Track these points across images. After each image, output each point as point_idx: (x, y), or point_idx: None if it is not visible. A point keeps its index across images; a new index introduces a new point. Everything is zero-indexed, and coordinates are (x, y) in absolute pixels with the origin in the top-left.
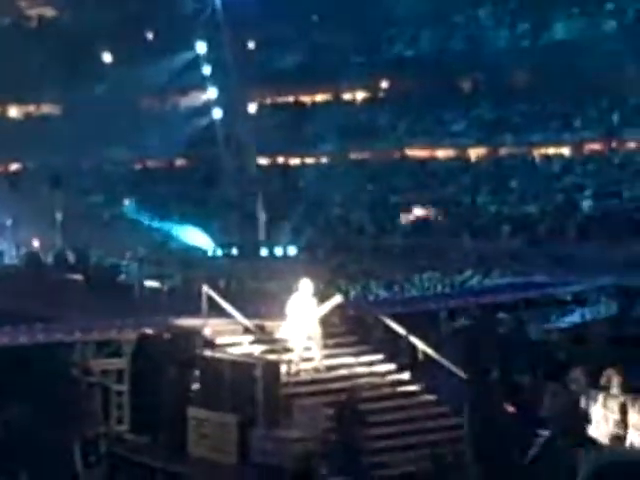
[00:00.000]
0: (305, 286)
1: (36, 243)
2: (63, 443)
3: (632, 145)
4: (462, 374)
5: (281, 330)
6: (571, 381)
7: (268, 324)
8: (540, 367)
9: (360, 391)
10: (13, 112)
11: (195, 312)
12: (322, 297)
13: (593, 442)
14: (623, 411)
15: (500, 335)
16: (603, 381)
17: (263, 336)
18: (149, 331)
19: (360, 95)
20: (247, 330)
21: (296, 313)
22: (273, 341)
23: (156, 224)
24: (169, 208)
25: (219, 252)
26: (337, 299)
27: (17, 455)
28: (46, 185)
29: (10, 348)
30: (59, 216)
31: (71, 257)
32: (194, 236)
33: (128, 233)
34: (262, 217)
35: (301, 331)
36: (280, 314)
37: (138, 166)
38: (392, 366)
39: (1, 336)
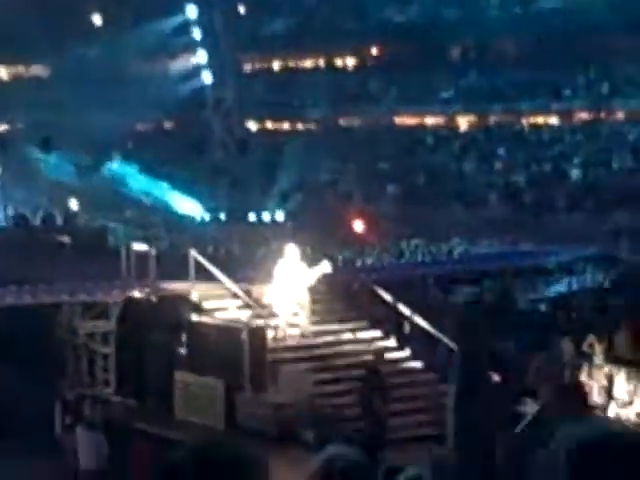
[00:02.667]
0: (292, 251)
1: (24, 205)
2: (45, 404)
3: (621, 115)
4: (448, 342)
5: (268, 295)
6: (559, 351)
7: (255, 289)
8: (526, 336)
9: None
10: (2, 73)
11: (182, 276)
12: (310, 263)
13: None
14: (609, 381)
15: (486, 303)
16: (585, 347)
17: (250, 301)
18: (136, 294)
19: (350, 61)
20: (234, 295)
21: (283, 278)
22: (260, 306)
23: (144, 187)
24: (157, 171)
25: (207, 217)
26: (325, 266)
27: (1, 414)
28: (35, 147)
29: None
30: (47, 177)
31: (59, 219)
32: (182, 200)
33: (116, 196)
34: (251, 182)
35: (288, 296)
36: (267, 279)
37: (126, 128)
38: (378, 333)
39: None
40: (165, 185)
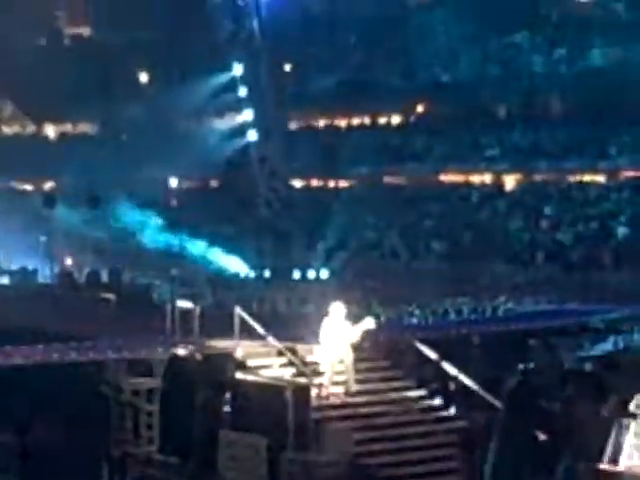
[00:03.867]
0: (337, 309)
1: (69, 261)
2: (91, 461)
3: None
4: (494, 401)
5: (313, 353)
6: (605, 409)
7: (300, 347)
8: (573, 394)
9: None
10: (49, 131)
11: (227, 334)
12: (354, 321)
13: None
14: None
15: (532, 362)
16: (632, 407)
17: (294, 359)
18: (181, 351)
19: (396, 119)
20: (279, 353)
21: (328, 336)
22: (304, 364)
23: (189, 244)
24: (203, 229)
25: (252, 274)
26: (369, 323)
27: (47, 471)
28: (80, 204)
29: (43, 366)
30: (92, 235)
31: (104, 276)
32: (227, 258)
33: (161, 253)
34: (295, 240)
35: (332, 354)
36: (312, 337)
37: (173, 186)
38: (423, 392)
39: (34, 354)
40: (210, 243)
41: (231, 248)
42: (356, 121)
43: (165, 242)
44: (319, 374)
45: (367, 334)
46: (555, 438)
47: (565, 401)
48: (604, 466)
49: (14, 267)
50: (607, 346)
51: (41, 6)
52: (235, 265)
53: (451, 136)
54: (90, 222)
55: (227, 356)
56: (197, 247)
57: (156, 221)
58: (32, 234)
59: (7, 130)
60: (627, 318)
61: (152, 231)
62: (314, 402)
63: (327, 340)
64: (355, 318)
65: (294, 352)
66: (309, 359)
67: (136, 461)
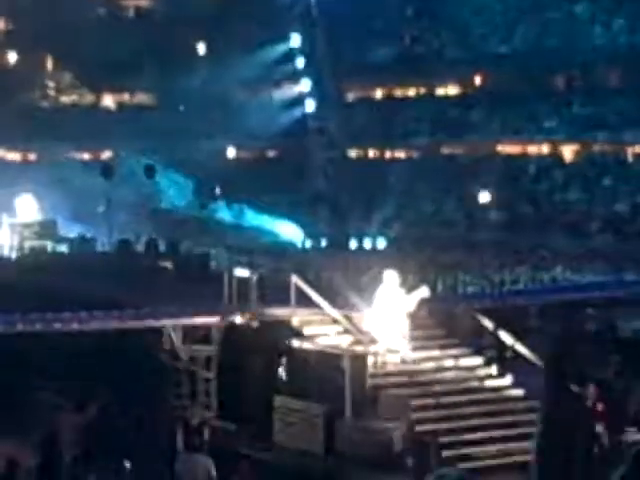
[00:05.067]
0: (392, 278)
1: (128, 231)
2: (159, 428)
3: None
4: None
5: (369, 322)
6: None
7: (356, 315)
8: (630, 366)
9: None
10: (108, 101)
11: (284, 302)
12: (410, 289)
13: None
14: None
15: (590, 333)
16: None
17: (350, 327)
18: (238, 319)
19: (453, 90)
20: (335, 321)
21: (383, 305)
22: (360, 332)
23: (247, 213)
24: (260, 198)
25: (308, 243)
26: (424, 291)
27: (117, 440)
28: (138, 173)
29: (101, 333)
30: (150, 204)
31: (162, 245)
32: (284, 226)
33: (218, 222)
34: (352, 210)
35: (388, 323)
36: (368, 306)
37: (231, 156)
38: (479, 360)
39: (93, 322)
40: (267, 212)
41: (288, 217)
42: (413, 92)
43: (222, 210)
44: (375, 342)
45: (423, 302)
46: (606, 406)
47: (615, 370)
48: None
49: (73, 235)
50: None
51: None
52: (292, 234)
53: (509, 107)
54: (147, 192)
55: (283, 324)
56: (255, 216)
57: (213, 190)
58: (90, 203)
59: (65, 99)
60: None
61: (208, 200)
62: (371, 370)
63: (382, 308)
64: (411, 287)
65: (350, 320)
66: (365, 327)
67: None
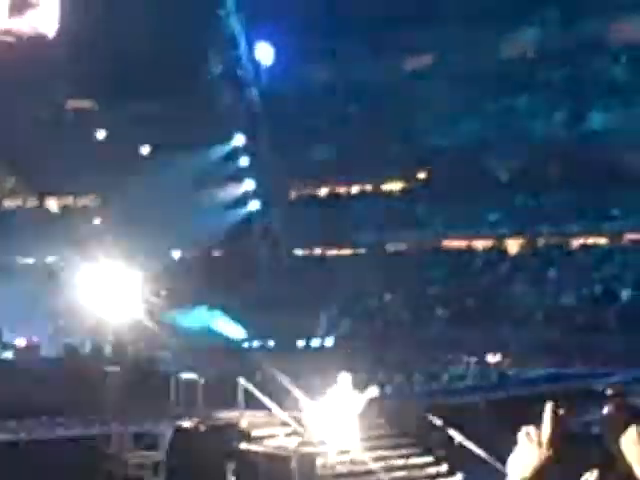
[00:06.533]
0: (343, 379)
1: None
2: None
3: None
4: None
5: (318, 422)
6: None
7: (305, 416)
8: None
9: None
10: (52, 204)
11: (231, 404)
12: (360, 389)
13: None
14: None
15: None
16: None
17: (299, 428)
18: (185, 424)
19: (397, 186)
20: (283, 422)
21: (333, 406)
22: (310, 433)
23: (192, 315)
24: (206, 299)
25: (255, 344)
26: (373, 391)
27: None
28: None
29: (46, 441)
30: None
31: (108, 348)
32: (231, 328)
33: (163, 325)
34: (299, 309)
35: (338, 423)
36: (317, 407)
37: (175, 256)
38: (430, 458)
39: (38, 429)
40: (213, 313)
41: (234, 318)
42: (357, 189)
43: (168, 313)
44: (325, 443)
45: (372, 402)
46: None
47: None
48: None
49: (17, 341)
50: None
51: (42, 79)
52: (239, 334)
53: (453, 201)
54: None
55: (231, 427)
56: (200, 317)
57: (159, 292)
58: (35, 308)
59: (9, 203)
60: (633, 381)
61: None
62: (320, 471)
63: (332, 409)
64: (361, 387)
65: (299, 421)
66: (314, 428)
67: None
